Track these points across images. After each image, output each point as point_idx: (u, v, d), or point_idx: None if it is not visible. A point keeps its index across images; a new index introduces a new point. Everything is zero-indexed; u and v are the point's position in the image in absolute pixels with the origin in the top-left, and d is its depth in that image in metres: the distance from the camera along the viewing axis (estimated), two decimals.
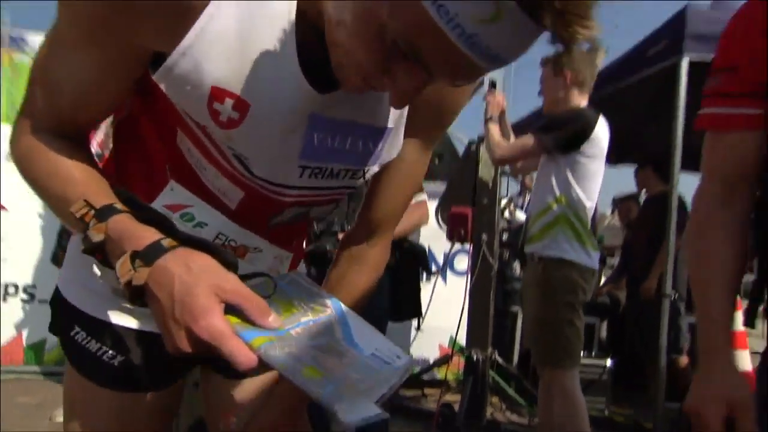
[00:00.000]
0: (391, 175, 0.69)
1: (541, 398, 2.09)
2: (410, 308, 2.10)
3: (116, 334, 0.68)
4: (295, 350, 0.46)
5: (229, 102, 0.50)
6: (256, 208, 0.63)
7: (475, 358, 2.61)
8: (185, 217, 0.61)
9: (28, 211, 2.91)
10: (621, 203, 4.07)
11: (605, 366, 3.03)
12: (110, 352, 0.67)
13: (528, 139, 1.92)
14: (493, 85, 2.48)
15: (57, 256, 2.52)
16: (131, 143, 0.67)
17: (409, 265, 2.05)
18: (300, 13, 0.49)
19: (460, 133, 3.80)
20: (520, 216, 5.76)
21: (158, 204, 0.59)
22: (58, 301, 0.71)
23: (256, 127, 0.52)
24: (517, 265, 4.82)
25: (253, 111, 0.51)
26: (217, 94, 0.50)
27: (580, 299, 1.89)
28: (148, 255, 0.44)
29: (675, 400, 2.50)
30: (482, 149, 2.67)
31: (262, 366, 0.44)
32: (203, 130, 0.54)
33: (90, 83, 0.53)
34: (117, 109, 0.63)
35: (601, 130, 1.90)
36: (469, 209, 2.64)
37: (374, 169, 0.64)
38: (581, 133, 1.85)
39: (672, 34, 2.71)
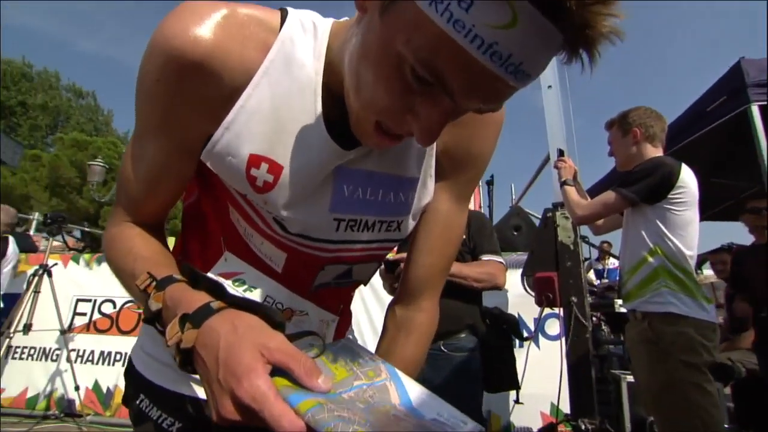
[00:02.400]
0: (428, 229, 0.60)
1: None
2: (506, 378, 1.73)
3: (176, 402, 0.59)
4: (346, 414, 0.33)
5: (264, 167, 0.47)
6: (299, 268, 0.55)
7: (583, 428, 2.06)
8: (237, 282, 0.55)
9: None
10: (713, 256, 3.30)
11: None
12: (169, 419, 0.58)
13: (609, 195, 1.61)
14: (561, 152, 2.25)
15: None
16: (194, 223, 0.63)
17: (501, 332, 1.73)
18: (325, 81, 0.47)
19: (534, 209, 3.51)
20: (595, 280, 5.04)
21: (214, 273, 0.55)
22: (128, 371, 0.64)
23: (287, 186, 0.48)
24: (606, 329, 4.09)
25: (285, 171, 0.48)
26: (254, 160, 0.47)
27: (704, 358, 1.41)
28: (197, 317, 0.38)
29: None
30: (558, 214, 2.37)
31: None
32: (245, 199, 0.51)
33: (158, 170, 0.51)
34: (183, 195, 0.61)
35: (688, 177, 1.54)
36: (554, 273, 2.28)
37: (409, 220, 0.57)
38: (666, 180, 1.51)
39: (731, 87, 2.35)
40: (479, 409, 1.54)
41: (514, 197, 4.77)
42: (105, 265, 3.76)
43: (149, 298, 0.43)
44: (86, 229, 6.98)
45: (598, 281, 4.70)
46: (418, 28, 0.33)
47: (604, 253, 5.37)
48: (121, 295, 3.44)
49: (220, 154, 0.47)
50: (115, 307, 3.51)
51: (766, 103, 2.17)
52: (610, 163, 1.94)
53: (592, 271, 5.21)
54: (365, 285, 0.66)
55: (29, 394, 3.39)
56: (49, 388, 3.39)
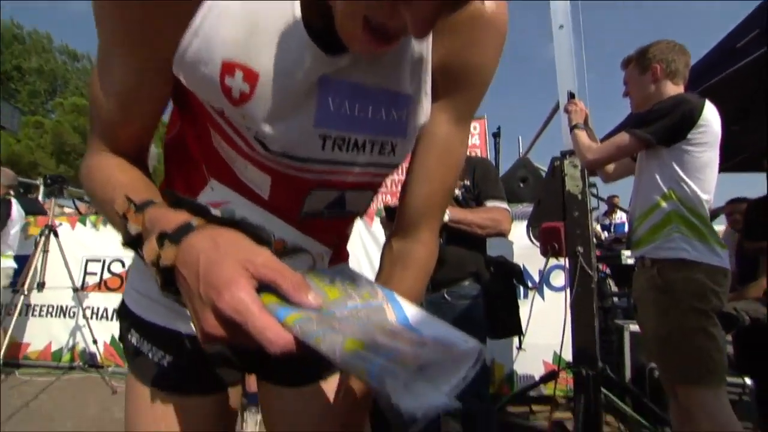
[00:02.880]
0: (426, 154, 0.55)
1: (675, 421, 1.55)
2: (509, 325, 1.74)
3: (166, 336, 0.59)
4: (337, 326, 0.31)
5: (239, 75, 0.42)
6: (286, 194, 0.52)
7: (584, 373, 2.10)
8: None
9: None
10: (731, 206, 3.21)
11: (744, 384, 2.27)
12: (160, 353, 0.59)
13: (623, 137, 1.51)
14: (571, 95, 2.13)
15: None
16: (176, 156, 0.58)
17: (505, 280, 1.71)
18: None
19: (542, 163, 3.40)
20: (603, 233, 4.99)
21: (203, 199, 0.53)
22: (120, 309, 0.65)
23: (265, 97, 0.43)
24: (611, 282, 4.10)
25: (262, 80, 0.43)
26: (228, 67, 0.42)
27: (713, 304, 1.38)
28: (176, 234, 0.35)
29: None
30: (567, 163, 2.28)
31: (302, 349, 0.30)
32: (224, 118, 0.46)
33: (130, 91, 0.47)
34: (166, 129, 0.58)
35: (711, 115, 1.43)
36: (560, 223, 2.23)
37: (404, 143, 0.52)
38: (687, 119, 1.40)
39: (763, 23, 2.16)
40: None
41: (521, 150, 4.64)
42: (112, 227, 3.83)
43: (128, 222, 0.41)
44: None
45: (606, 234, 4.66)
46: None
47: (612, 206, 5.28)
48: (130, 254, 3.51)
49: (191, 63, 0.43)
50: (123, 267, 3.58)
51: None
52: (623, 115, 1.83)
53: (598, 225, 5.16)
54: (361, 217, 0.62)
55: (53, 348, 3.57)
56: (71, 342, 3.56)
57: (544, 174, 3.31)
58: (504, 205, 1.58)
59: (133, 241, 0.40)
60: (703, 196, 1.43)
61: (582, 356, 2.16)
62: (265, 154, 0.47)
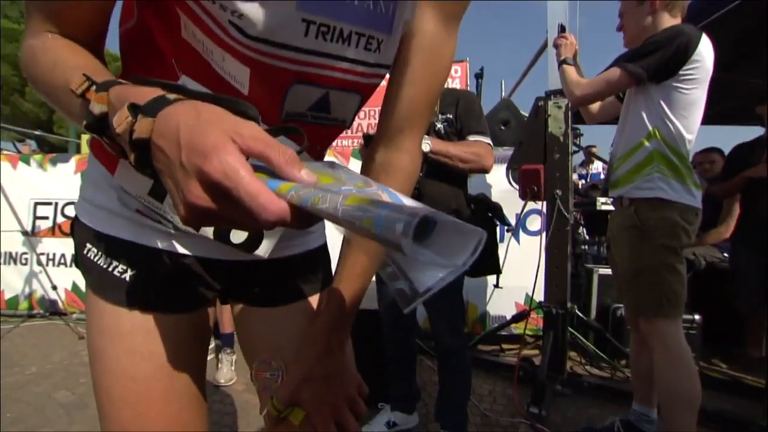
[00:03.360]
0: (411, 54, 0.52)
1: (634, 351, 1.67)
2: (488, 263, 1.75)
3: (127, 249, 0.53)
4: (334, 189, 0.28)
5: None
6: (266, 87, 0.47)
7: (554, 312, 2.21)
8: None
9: None
10: (702, 155, 3.29)
11: (693, 319, 2.46)
12: (120, 267, 0.53)
13: (614, 71, 1.46)
14: (562, 29, 2.03)
15: None
16: (136, 51, 0.52)
17: (485, 219, 1.70)
18: None
19: (525, 107, 3.32)
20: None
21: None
22: (72, 225, 0.59)
23: None
24: (584, 231, 4.25)
25: None
26: None
27: (682, 242, 1.43)
28: (151, 106, 0.31)
29: None
30: (551, 103, 2.24)
31: (297, 218, 0.28)
32: (198, 3, 0.42)
33: None
34: (120, 21, 0.52)
35: (705, 49, 1.38)
36: (540, 166, 2.23)
37: (390, 42, 0.49)
38: (682, 53, 1.35)
39: None
40: (460, 293, 1.58)
41: (504, 93, 4.54)
42: (63, 167, 3.56)
43: (91, 102, 0.36)
44: (37, 133, 6.47)
45: (583, 182, 4.77)
46: None
47: (589, 155, 5.36)
48: None
49: None
50: None
51: None
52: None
53: (575, 174, 5.26)
54: (347, 127, 0.57)
55: (7, 296, 3.41)
56: (27, 290, 3.41)
57: (526, 118, 3.27)
58: (487, 140, 1.53)
59: (95, 122, 0.36)
60: (687, 136, 1.42)
61: (553, 295, 2.26)
62: (243, 40, 0.43)
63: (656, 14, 1.50)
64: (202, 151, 0.28)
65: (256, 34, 0.42)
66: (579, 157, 5.51)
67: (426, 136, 1.45)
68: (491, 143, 1.54)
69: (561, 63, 1.69)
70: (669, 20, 1.49)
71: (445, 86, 1.62)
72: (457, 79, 5.07)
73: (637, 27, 1.56)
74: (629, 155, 1.51)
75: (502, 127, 2.90)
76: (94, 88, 0.37)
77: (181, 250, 0.54)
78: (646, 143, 1.45)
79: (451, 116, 1.51)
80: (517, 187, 2.33)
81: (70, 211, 3.41)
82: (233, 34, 0.42)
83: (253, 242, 0.43)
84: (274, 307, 0.61)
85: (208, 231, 0.43)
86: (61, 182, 3.45)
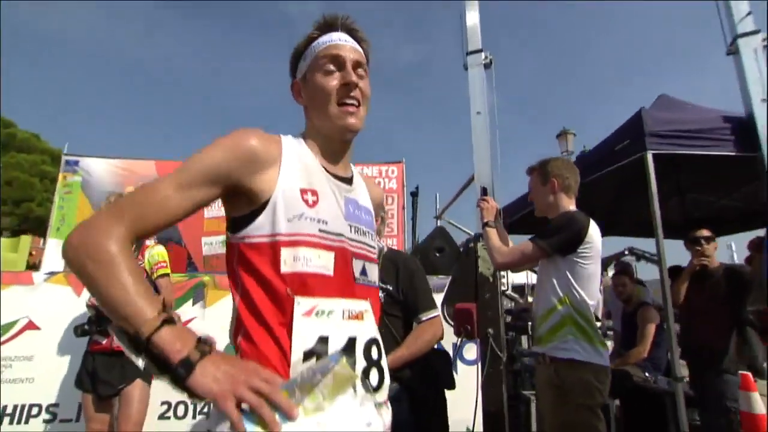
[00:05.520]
0: None
1: None
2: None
3: None
4: None
5: (309, 193, 0.80)
6: (343, 262, 0.80)
7: None
8: (320, 315, 0.75)
9: (59, 332, 2.74)
10: (615, 277, 3.83)
11: None
12: None
13: (527, 245, 1.81)
14: (484, 191, 2.43)
15: (81, 380, 2.31)
16: (253, 304, 0.76)
17: (428, 380, 1.67)
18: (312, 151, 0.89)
19: (460, 220, 3.71)
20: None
21: (297, 315, 0.73)
22: None
23: (324, 202, 0.81)
24: (524, 339, 4.51)
25: (319, 195, 0.81)
26: (303, 190, 0.80)
27: (597, 401, 1.66)
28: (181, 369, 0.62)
29: None
30: (480, 245, 2.57)
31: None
32: (299, 223, 0.77)
33: (190, 208, 0.74)
34: (231, 294, 0.81)
35: (594, 232, 1.78)
36: (473, 305, 2.47)
37: (373, 234, 0.92)
38: (577, 236, 1.74)
39: (633, 134, 2.77)
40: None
41: (438, 208, 5.02)
42: None
43: (139, 349, 0.63)
44: None
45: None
46: (315, 62, 0.88)
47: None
48: None
49: (284, 193, 0.77)
50: None
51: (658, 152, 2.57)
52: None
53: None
54: (377, 289, 0.90)
55: None
56: None
57: (459, 240, 3.64)
58: (436, 312, 1.66)
59: (140, 351, 0.63)
60: (590, 302, 1.74)
61: None
62: (327, 235, 0.79)
63: (557, 195, 1.92)
64: (246, 372, 0.64)
65: (334, 230, 0.80)
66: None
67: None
68: (439, 311, 1.68)
69: (484, 225, 2.02)
70: (566, 201, 1.90)
71: (381, 238, 1.78)
72: (393, 179, 5.56)
73: (543, 202, 1.96)
74: (547, 316, 1.78)
75: (437, 254, 3.20)
76: (144, 336, 0.62)
77: None
78: (560, 307, 1.75)
79: (391, 288, 1.65)
80: (452, 323, 2.53)
81: None
82: (322, 234, 0.78)
83: None
84: None
85: None
86: None
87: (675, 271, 3.56)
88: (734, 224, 4.72)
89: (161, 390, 2.56)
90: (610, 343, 4.03)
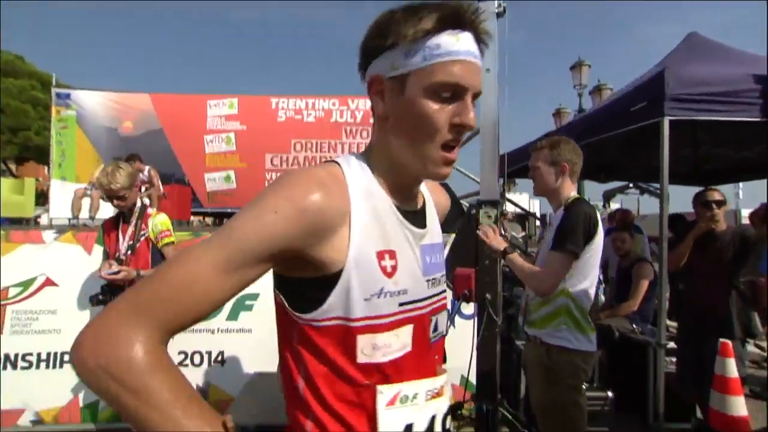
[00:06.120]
0: None
1: None
2: None
3: None
4: None
5: (387, 257, 0.67)
6: (421, 330, 0.73)
7: (484, 408, 2.55)
8: (404, 401, 0.69)
9: (75, 288, 2.91)
10: (614, 234, 3.89)
11: (606, 396, 2.93)
12: None
13: (559, 260, 1.76)
14: (476, 221, 2.40)
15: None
16: (323, 391, 0.67)
17: None
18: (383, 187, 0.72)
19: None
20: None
21: (381, 406, 0.67)
22: None
23: (403, 266, 0.70)
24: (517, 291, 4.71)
25: (398, 255, 0.69)
26: (381, 254, 0.67)
27: (582, 380, 1.81)
28: None
29: None
30: (482, 212, 2.59)
31: None
32: (377, 302, 0.66)
33: (236, 290, 0.60)
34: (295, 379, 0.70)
35: (598, 218, 1.81)
36: (473, 270, 2.56)
37: (444, 275, 0.82)
38: (594, 228, 1.78)
39: (652, 96, 2.63)
40: None
41: None
42: None
43: None
44: None
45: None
46: (426, 76, 0.65)
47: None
48: None
49: (359, 263, 0.64)
50: None
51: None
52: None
53: (505, 220, 5.79)
54: (445, 336, 0.82)
55: None
56: None
57: (459, 195, 3.65)
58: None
59: None
60: (590, 291, 1.81)
61: (483, 392, 2.60)
62: (405, 308, 0.70)
63: (563, 179, 1.89)
64: None
65: (411, 299, 0.70)
66: None
67: None
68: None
69: (503, 255, 1.93)
70: (569, 187, 1.89)
71: None
72: None
73: (546, 184, 1.92)
74: (543, 304, 1.87)
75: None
76: None
77: None
78: (558, 298, 1.82)
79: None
80: (452, 286, 2.65)
81: None
82: (402, 309, 0.69)
83: None
84: None
85: None
86: None
87: (676, 222, 3.57)
88: (749, 174, 4.64)
89: (178, 340, 2.79)
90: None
